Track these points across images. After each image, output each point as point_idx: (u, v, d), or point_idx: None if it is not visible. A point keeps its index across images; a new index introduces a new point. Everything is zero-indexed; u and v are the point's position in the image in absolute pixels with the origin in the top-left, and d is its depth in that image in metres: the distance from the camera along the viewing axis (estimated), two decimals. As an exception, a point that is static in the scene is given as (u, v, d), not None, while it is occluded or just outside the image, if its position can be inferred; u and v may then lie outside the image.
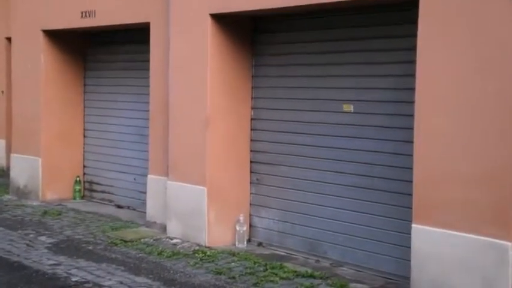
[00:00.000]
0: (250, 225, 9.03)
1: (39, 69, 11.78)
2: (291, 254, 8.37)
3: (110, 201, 11.71)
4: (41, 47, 11.76)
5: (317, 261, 8.05)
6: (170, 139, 9.26)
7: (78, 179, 12.07)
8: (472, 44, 6.15)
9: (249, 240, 8.92)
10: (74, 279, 7.40)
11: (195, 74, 8.85)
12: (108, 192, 11.85)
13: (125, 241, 9.03)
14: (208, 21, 8.59)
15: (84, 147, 12.32)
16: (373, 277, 7.45)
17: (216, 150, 8.75)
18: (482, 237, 6.07)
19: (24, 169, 12.16)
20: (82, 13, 10.88)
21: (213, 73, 8.67)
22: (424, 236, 6.52)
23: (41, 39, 11.76)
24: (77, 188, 12.05)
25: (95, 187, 12.16)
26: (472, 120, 6.15)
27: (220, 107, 8.76)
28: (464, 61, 6.23)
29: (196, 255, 8.30)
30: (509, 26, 5.91)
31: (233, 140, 8.91)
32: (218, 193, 8.78)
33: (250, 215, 9.05)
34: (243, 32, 8.92)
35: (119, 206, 11.40)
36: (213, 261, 8.05)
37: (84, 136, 12.32)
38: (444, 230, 6.35)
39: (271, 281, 7.25)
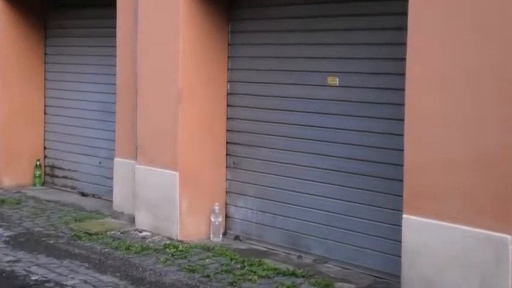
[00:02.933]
0: (226, 216, 9.00)
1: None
2: (271, 249, 8.38)
3: (73, 188, 11.69)
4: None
5: (299, 257, 8.06)
6: (139, 117, 9.17)
7: (38, 162, 12.02)
8: (470, 10, 6.03)
9: (224, 233, 8.91)
10: (33, 277, 7.31)
11: (165, 43, 8.76)
12: (71, 178, 11.80)
13: (90, 234, 8.97)
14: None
15: (45, 126, 12.23)
16: (361, 275, 7.44)
17: (189, 129, 8.67)
18: (480, 230, 5.94)
19: (-22, 151, 12.06)
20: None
21: (186, 41, 8.56)
22: (415, 228, 6.46)
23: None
24: (37, 173, 12.02)
25: (56, 172, 12.12)
26: (470, 98, 6.01)
27: (194, 81, 8.66)
28: (461, 29, 6.07)
29: (168, 250, 8.25)
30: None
31: (208, 118, 8.81)
32: (191, 179, 8.72)
33: (226, 204, 9.02)
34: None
35: (83, 194, 11.37)
36: (185, 257, 8.01)
37: (45, 113, 12.23)
38: (438, 222, 6.24)
39: (249, 280, 7.23)
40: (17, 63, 11.86)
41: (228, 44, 8.92)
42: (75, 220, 9.77)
